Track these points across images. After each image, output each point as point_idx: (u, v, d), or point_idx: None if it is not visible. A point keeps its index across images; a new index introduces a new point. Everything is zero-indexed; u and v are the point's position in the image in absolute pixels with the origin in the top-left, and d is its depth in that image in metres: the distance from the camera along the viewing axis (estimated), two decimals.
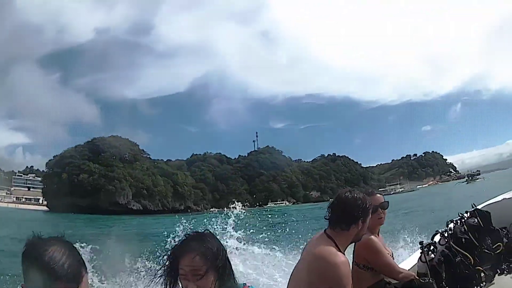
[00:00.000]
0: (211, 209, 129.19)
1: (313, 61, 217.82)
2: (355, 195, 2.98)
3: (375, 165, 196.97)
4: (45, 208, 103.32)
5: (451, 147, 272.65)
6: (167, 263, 2.21)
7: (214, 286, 2.09)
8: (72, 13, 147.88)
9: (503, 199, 6.56)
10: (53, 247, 1.60)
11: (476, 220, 5.10)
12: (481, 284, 4.48)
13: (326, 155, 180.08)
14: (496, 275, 5.00)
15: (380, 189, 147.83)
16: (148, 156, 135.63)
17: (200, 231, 2.24)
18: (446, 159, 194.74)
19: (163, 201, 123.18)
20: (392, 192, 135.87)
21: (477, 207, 5.46)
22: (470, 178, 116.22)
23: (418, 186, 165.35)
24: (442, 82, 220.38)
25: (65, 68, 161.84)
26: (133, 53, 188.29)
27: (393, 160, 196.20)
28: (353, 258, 3.74)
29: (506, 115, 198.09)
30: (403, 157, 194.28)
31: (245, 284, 2.27)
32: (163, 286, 2.22)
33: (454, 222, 5.19)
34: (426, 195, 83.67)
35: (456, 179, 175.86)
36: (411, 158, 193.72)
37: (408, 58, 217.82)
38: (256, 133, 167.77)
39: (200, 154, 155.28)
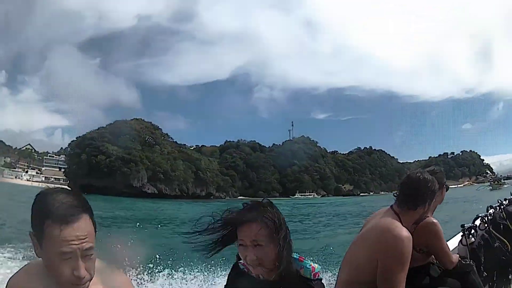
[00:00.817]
0: (239, 197, 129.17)
1: (355, 52, 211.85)
2: (426, 176, 2.89)
3: (412, 161, 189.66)
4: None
5: (490, 147, 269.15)
6: (223, 229, 2.13)
7: (274, 257, 2.02)
8: (113, 0, 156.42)
9: None
10: (60, 194, 1.60)
11: None
12: None
13: (362, 148, 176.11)
14: None
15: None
16: (172, 140, 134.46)
17: (260, 200, 2.15)
18: (483, 160, 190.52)
19: (182, 186, 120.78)
20: None
21: None
22: (496, 182, 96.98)
23: (451, 186, 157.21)
24: (485, 80, 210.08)
25: (106, 53, 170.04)
26: (174, 40, 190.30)
27: (430, 157, 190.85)
28: None
29: None
30: (440, 154, 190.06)
31: (300, 256, 2.21)
32: (210, 250, 2.18)
33: (494, 208, 5.18)
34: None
35: (492, 181, 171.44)
36: (448, 156, 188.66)
37: (453, 54, 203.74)
38: (292, 122, 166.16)
39: (233, 141, 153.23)
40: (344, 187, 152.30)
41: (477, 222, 4.76)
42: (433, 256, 3.64)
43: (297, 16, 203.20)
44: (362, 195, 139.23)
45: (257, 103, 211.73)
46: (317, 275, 2.15)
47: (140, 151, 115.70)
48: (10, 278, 1.72)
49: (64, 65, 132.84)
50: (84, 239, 1.55)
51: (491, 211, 5.11)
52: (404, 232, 2.63)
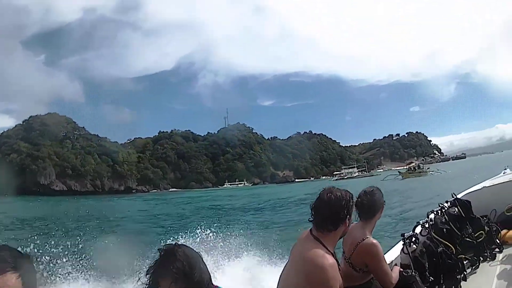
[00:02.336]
0: (171, 189, 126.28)
1: (300, 38, 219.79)
2: (338, 194, 2.85)
3: (357, 144, 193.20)
4: None
5: (440, 128, 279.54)
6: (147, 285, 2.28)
7: None
8: None
9: (483, 187, 6.62)
10: None
11: (456, 209, 5.24)
12: (465, 272, 4.56)
13: (302, 133, 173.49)
14: (479, 262, 5.08)
15: (335, 173, 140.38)
16: (89, 133, 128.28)
17: (172, 245, 2.31)
18: (430, 140, 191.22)
19: (96, 181, 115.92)
20: (346, 177, 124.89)
21: (457, 196, 5.61)
22: (413, 170, 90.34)
23: (396, 168, 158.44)
24: (433, 64, 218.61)
25: (52, 48, 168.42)
26: (120, 32, 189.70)
27: (374, 139, 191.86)
28: (343, 254, 3.65)
29: (495, 99, 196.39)
30: (385, 136, 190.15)
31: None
32: None
33: (435, 212, 5.19)
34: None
35: (440, 161, 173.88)
36: (393, 138, 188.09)
37: (398, 38, 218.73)
38: (227, 109, 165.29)
39: (166, 132, 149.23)
40: (283, 173, 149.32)
41: (418, 229, 4.73)
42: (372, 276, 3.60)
43: (244, 4, 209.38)
44: (298, 181, 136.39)
45: (201, 92, 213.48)
46: None
47: (49, 147, 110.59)
48: None
49: (8, 63, 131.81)
50: None
51: (431, 216, 5.05)
52: (326, 261, 2.65)
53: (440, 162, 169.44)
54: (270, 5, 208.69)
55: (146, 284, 2.23)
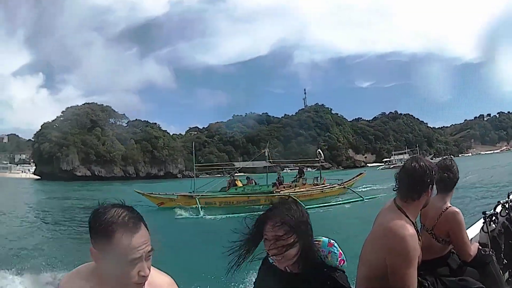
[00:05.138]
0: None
1: (392, 18, 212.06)
2: (423, 164, 2.86)
3: (448, 125, 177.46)
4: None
5: None
6: (252, 229, 2.27)
7: (296, 251, 2.16)
8: None
9: None
10: (117, 208, 1.73)
11: None
12: None
13: (387, 113, 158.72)
14: None
15: (384, 159, 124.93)
16: (124, 119, 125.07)
17: (285, 198, 2.32)
18: None
19: (127, 167, 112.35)
20: (392, 166, 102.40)
21: None
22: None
23: (486, 152, 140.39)
24: None
25: (142, 42, 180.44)
26: (210, 21, 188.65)
27: (465, 120, 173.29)
28: (423, 227, 3.61)
29: None
30: (476, 117, 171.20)
31: (330, 240, 2.36)
32: (241, 250, 2.31)
33: None
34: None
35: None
36: (484, 119, 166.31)
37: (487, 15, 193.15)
38: (304, 89, 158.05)
39: (241, 115, 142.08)
40: (365, 157, 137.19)
41: (498, 208, 4.62)
42: (452, 246, 3.61)
43: None
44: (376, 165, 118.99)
45: (298, 72, 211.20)
46: (342, 262, 2.28)
47: (76, 135, 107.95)
48: (64, 277, 1.86)
49: (102, 60, 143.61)
50: (146, 243, 1.71)
51: None
52: (407, 231, 2.67)
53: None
54: None
55: (250, 228, 2.23)
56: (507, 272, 4.17)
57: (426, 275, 3.21)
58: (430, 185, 2.80)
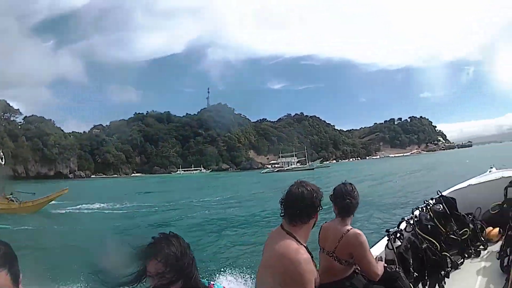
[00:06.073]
0: (133, 174, 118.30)
1: (311, 23, 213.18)
2: (310, 188, 2.88)
3: (358, 128, 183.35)
4: None
5: (450, 115, 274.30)
6: (137, 267, 2.18)
7: None
8: None
9: (469, 185, 6.76)
10: None
11: (441, 206, 5.32)
12: (448, 269, 4.64)
13: (293, 115, 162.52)
14: (464, 259, 5.15)
15: (271, 162, 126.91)
16: (19, 114, 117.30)
17: (167, 233, 2.26)
18: (435, 126, 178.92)
19: (16, 166, 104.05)
20: (285, 168, 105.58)
21: (442, 194, 5.73)
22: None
23: (396, 155, 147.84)
24: (444, 51, 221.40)
25: (60, 34, 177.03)
26: (129, 17, 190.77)
27: (375, 123, 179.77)
28: (323, 250, 3.63)
29: (507, 88, 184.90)
30: (386, 120, 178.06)
31: (210, 282, 2.32)
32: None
33: (420, 209, 5.31)
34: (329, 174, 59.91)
35: (444, 149, 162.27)
36: (395, 123, 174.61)
37: (409, 24, 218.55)
38: (208, 89, 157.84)
39: (142, 113, 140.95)
40: (267, 158, 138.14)
41: (402, 225, 4.79)
42: (357, 266, 3.61)
43: None
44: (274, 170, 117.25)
45: (210, 70, 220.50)
46: None
47: None
48: None
49: (20, 52, 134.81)
50: None
51: (416, 212, 5.14)
52: (301, 255, 2.66)
53: (444, 149, 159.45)
54: None
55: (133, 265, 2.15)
56: (420, 284, 4.32)
57: None
58: (319, 208, 2.86)
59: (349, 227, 3.50)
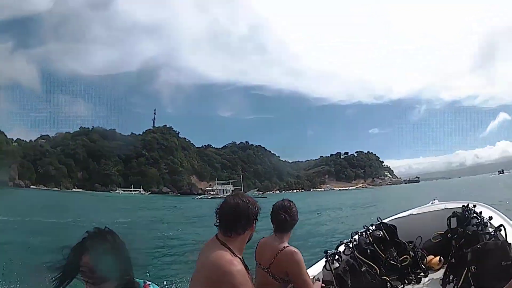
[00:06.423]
0: (74, 189, 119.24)
1: (267, 52, 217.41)
2: (245, 200, 2.88)
3: (304, 160, 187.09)
4: None
5: (399, 151, 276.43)
6: (68, 260, 2.13)
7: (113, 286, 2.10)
8: None
9: (410, 214, 6.68)
10: None
11: (381, 232, 5.26)
12: None
13: (238, 143, 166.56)
14: (404, 285, 5.08)
15: (207, 189, 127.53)
16: None
17: (103, 228, 2.24)
18: (382, 162, 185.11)
19: None
20: (219, 196, 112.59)
21: (382, 221, 5.64)
22: None
23: (341, 188, 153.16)
24: (395, 88, 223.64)
25: (20, 36, 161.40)
26: (88, 27, 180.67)
27: (321, 156, 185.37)
28: (259, 265, 3.62)
29: (455, 126, 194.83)
30: (332, 154, 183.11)
31: (146, 282, 2.28)
32: (57, 282, 2.14)
33: (359, 233, 5.29)
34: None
35: (391, 184, 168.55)
36: (341, 157, 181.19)
37: (362, 61, 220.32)
38: (154, 110, 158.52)
39: (88, 128, 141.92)
40: (210, 184, 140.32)
41: (341, 248, 4.78)
42: (292, 284, 3.54)
43: (212, 13, 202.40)
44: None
45: (161, 91, 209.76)
46: None
47: None
48: None
49: None
50: None
51: (356, 236, 5.18)
52: (235, 266, 2.62)
53: (391, 184, 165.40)
54: (240, 13, 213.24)
55: (66, 258, 2.09)
56: None
57: None
58: (255, 220, 2.85)
59: (285, 244, 3.50)
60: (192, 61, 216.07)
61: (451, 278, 4.48)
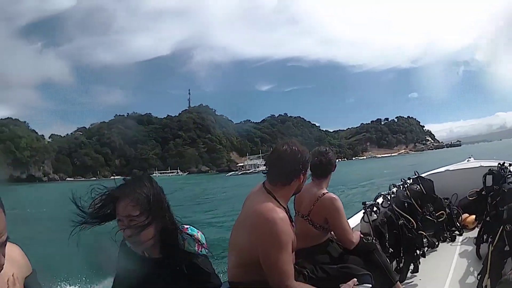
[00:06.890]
0: (112, 177, 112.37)
1: (299, 23, 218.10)
2: (295, 148, 2.71)
3: (345, 129, 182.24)
4: None
5: (439, 115, 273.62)
6: (102, 205, 2.00)
7: (152, 234, 1.97)
8: None
9: (446, 170, 6.75)
10: None
11: (418, 186, 5.24)
12: (424, 249, 4.60)
13: (276, 116, 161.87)
14: (439, 242, 5.18)
15: (239, 164, 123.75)
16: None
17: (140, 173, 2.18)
18: (423, 126, 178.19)
19: None
20: (250, 171, 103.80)
21: (420, 175, 5.62)
22: None
23: (383, 155, 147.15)
24: (432, 51, 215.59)
25: (47, 36, 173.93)
26: (115, 18, 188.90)
27: (361, 123, 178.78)
28: (298, 213, 3.54)
29: (494, 87, 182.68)
30: (372, 121, 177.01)
31: (184, 226, 2.18)
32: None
33: (397, 186, 5.16)
34: None
35: (433, 148, 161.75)
36: (382, 123, 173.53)
37: (397, 24, 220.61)
38: (189, 90, 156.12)
39: (122, 115, 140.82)
40: (249, 159, 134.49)
41: (379, 200, 4.69)
42: (332, 233, 3.54)
43: None
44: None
45: (197, 72, 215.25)
46: (200, 248, 2.12)
47: None
48: None
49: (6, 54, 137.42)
50: (2, 232, 1.37)
51: (394, 189, 5.05)
52: (277, 214, 2.51)
53: (433, 149, 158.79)
54: None
55: (100, 202, 1.96)
56: (395, 261, 4.27)
57: (304, 263, 3.14)
58: (302, 171, 2.67)
59: (324, 190, 3.38)
60: (225, 38, 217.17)
61: (485, 237, 4.54)
